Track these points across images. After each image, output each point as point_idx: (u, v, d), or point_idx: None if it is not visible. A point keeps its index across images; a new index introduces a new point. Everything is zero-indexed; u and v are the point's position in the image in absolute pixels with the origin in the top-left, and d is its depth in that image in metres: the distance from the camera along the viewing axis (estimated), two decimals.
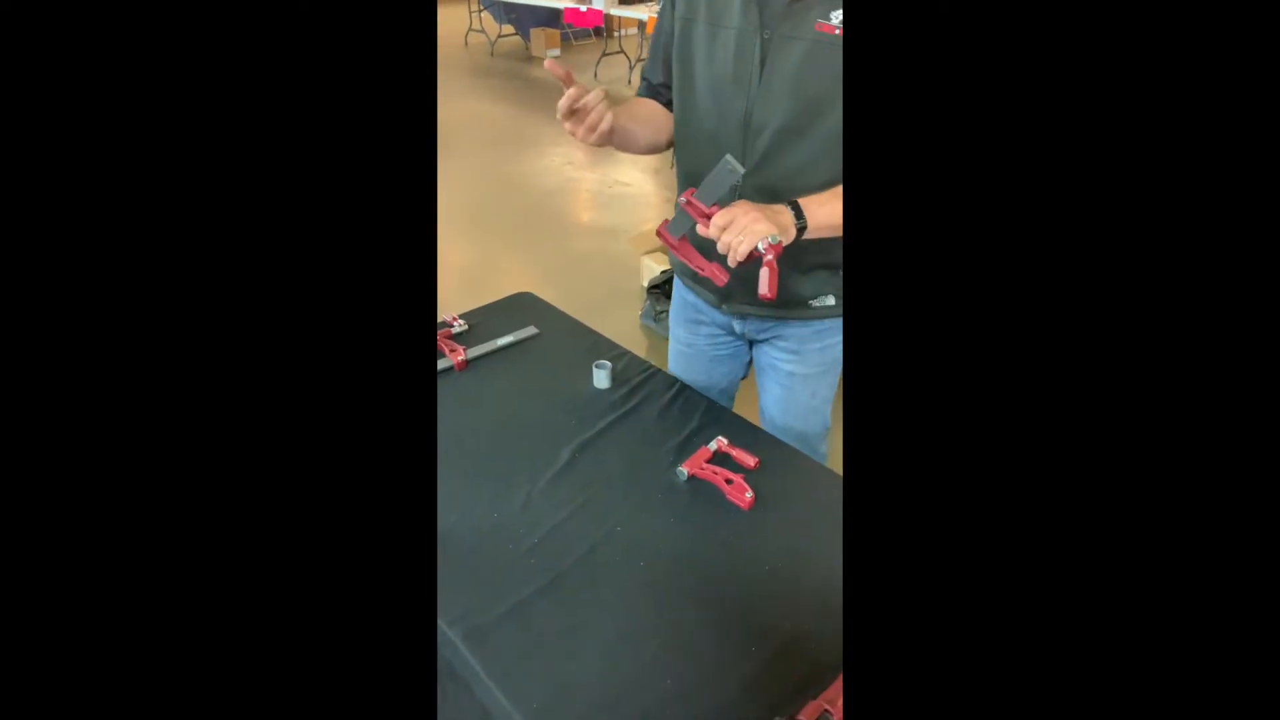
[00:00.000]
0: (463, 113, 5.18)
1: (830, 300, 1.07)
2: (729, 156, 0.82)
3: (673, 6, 0.99)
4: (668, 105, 1.07)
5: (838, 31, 0.85)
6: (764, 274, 0.82)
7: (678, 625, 0.78)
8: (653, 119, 1.06)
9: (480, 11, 7.45)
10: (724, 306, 1.11)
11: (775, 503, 0.94)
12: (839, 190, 0.89)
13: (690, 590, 0.82)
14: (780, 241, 0.82)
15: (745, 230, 0.80)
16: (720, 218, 0.82)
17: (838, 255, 1.01)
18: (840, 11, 0.85)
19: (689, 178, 1.02)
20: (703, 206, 0.85)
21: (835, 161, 0.90)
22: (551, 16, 6.79)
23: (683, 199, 0.87)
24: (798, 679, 0.72)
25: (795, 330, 1.10)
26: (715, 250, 0.85)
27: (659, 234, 0.96)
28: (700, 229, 0.86)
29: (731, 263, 0.83)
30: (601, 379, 1.17)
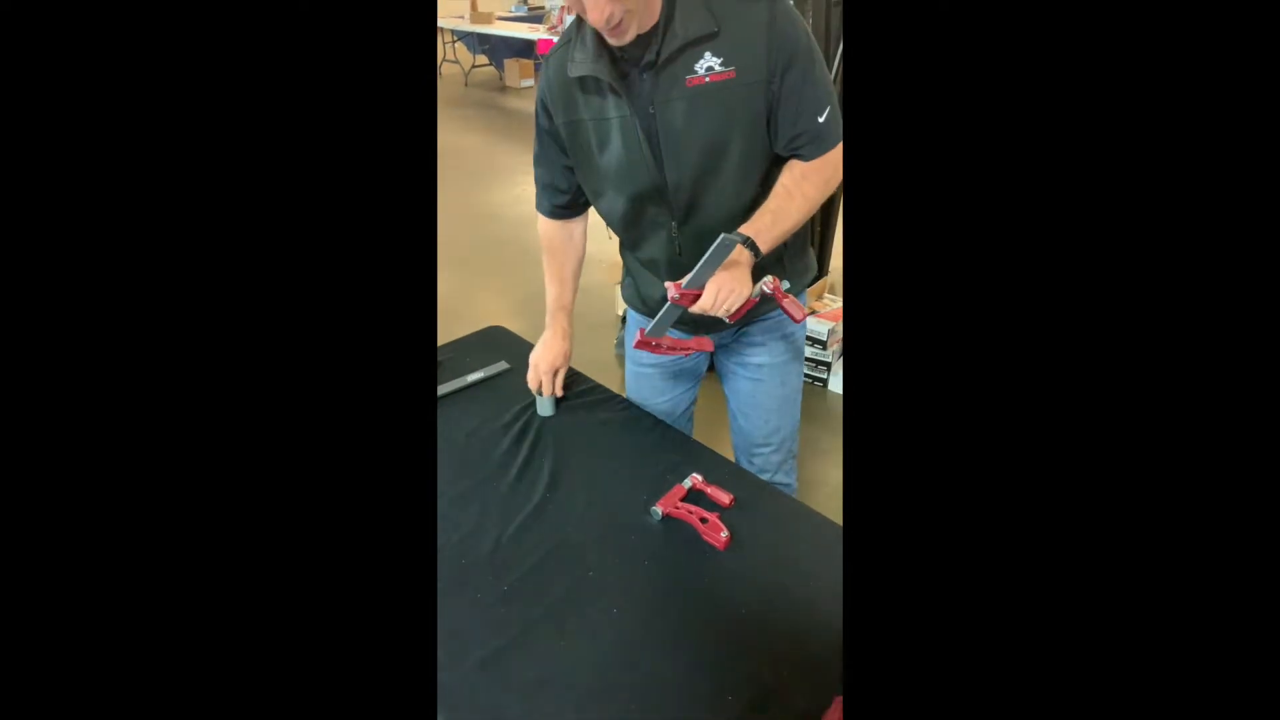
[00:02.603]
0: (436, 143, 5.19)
1: (783, 285, 1.10)
2: (723, 235, 0.88)
3: (549, 116, 1.01)
4: (565, 208, 1.12)
5: (707, 79, 0.90)
6: (787, 305, 0.98)
7: (653, 675, 0.75)
8: (572, 254, 1.16)
9: (454, 42, 7.52)
10: (685, 327, 1.13)
11: (751, 542, 0.92)
12: (770, 206, 0.96)
13: (665, 637, 0.80)
14: (775, 280, 0.96)
15: (734, 292, 0.91)
16: (708, 297, 0.91)
17: (773, 253, 1.05)
18: (704, 61, 0.89)
19: (630, 245, 1.10)
20: (695, 291, 0.93)
21: (748, 182, 0.98)
22: (525, 47, 6.88)
23: (673, 293, 0.92)
24: None
25: (754, 326, 1.16)
26: (695, 323, 1.01)
27: (641, 346, 1.02)
28: (691, 307, 0.94)
29: (732, 320, 0.95)
30: (545, 406, 1.17)
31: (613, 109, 0.94)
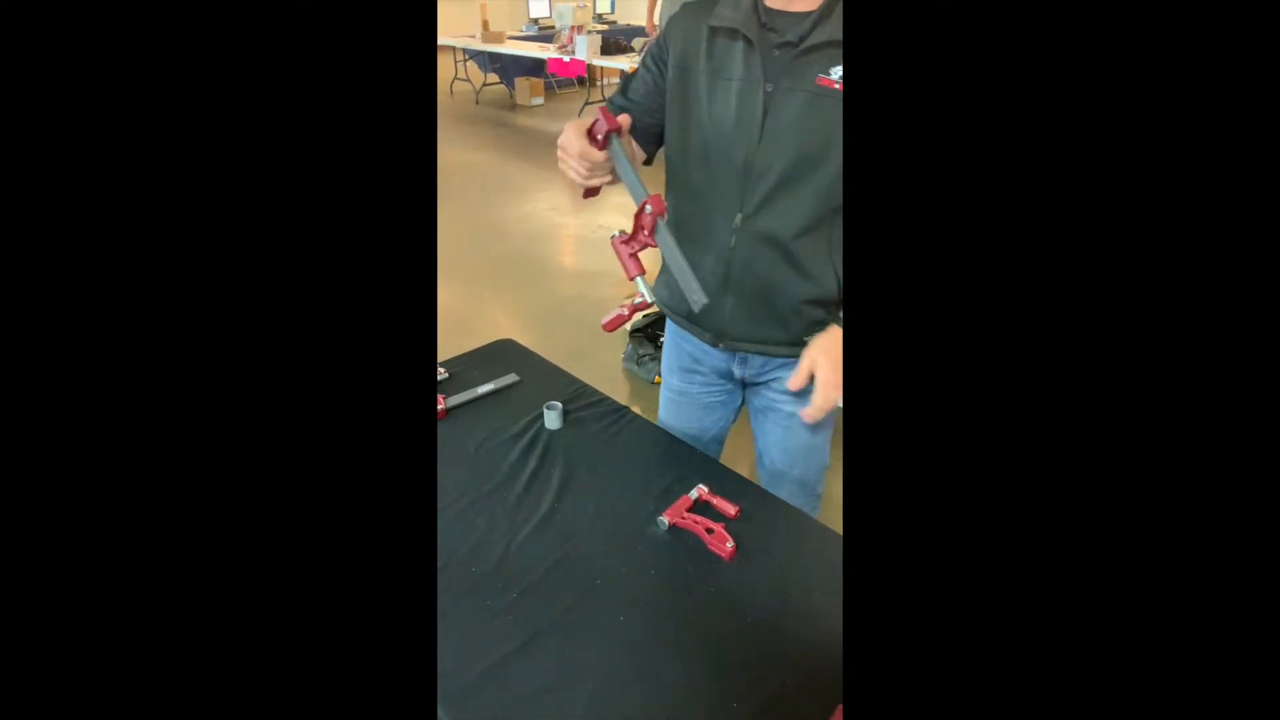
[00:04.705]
0: (448, 160, 5.26)
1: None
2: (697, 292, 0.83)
3: (661, 50, 1.00)
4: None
5: (837, 86, 0.88)
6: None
7: (659, 682, 0.76)
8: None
9: (465, 61, 7.63)
10: (721, 344, 1.08)
11: (756, 552, 0.93)
12: None
13: (672, 645, 0.81)
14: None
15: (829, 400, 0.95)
16: (804, 380, 0.96)
17: (828, 288, 1.00)
18: (841, 68, 0.88)
19: (683, 220, 1.03)
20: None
21: (826, 204, 0.94)
22: (535, 66, 6.98)
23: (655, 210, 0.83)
24: None
25: (791, 372, 1.07)
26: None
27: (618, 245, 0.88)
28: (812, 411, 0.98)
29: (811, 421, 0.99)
30: (552, 420, 1.18)
31: (739, 70, 0.91)
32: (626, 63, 5.58)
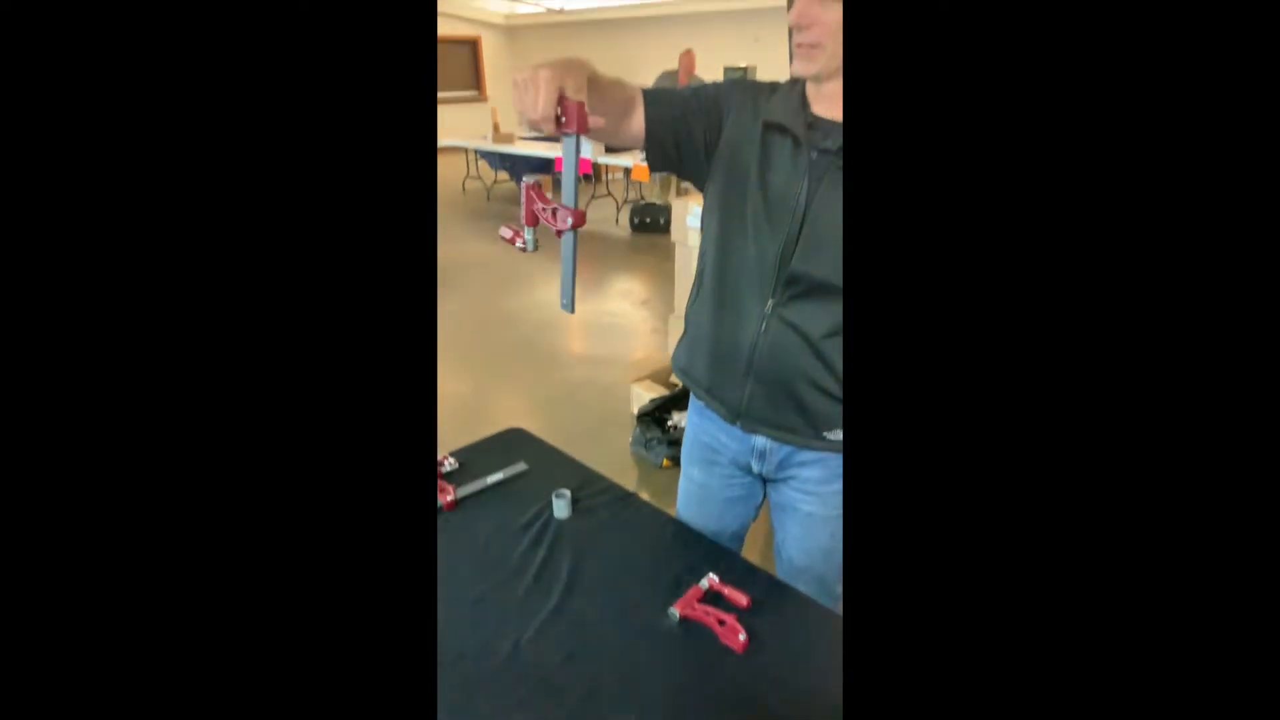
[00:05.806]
0: (460, 253, 5.44)
1: (841, 435, 1.03)
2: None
3: (718, 101, 0.97)
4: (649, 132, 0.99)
5: None
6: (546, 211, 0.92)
7: None
8: (624, 94, 0.96)
9: (478, 161, 8.04)
10: (739, 423, 1.06)
11: (769, 643, 0.91)
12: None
13: None
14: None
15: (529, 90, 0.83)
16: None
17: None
18: None
19: (721, 296, 1.03)
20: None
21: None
22: (544, 164, 7.32)
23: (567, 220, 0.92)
24: None
25: (811, 471, 1.07)
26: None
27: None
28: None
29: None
30: (561, 509, 1.18)
31: (787, 165, 0.92)
32: (630, 160, 5.86)
